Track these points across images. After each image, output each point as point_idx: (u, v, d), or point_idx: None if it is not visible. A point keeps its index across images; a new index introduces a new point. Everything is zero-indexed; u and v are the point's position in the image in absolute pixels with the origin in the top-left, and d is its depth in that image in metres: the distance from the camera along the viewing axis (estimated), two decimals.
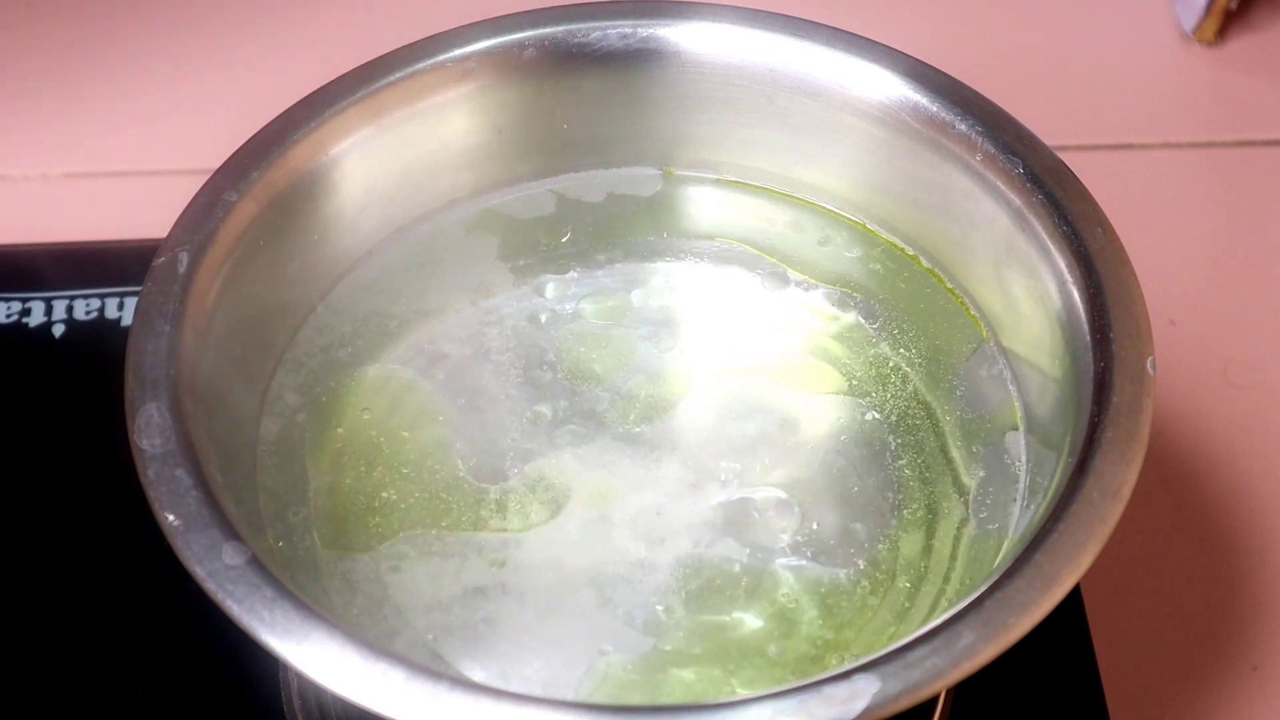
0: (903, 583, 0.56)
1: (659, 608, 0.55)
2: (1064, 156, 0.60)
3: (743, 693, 0.50)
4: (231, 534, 0.50)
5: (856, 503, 0.58)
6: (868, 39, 0.64)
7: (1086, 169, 0.61)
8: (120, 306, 0.76)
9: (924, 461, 0.59)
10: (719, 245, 0.66)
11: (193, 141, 0.84)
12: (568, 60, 0.65)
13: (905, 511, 0.58)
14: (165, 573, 0.52)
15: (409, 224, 0.65)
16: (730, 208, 0.67)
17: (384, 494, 0.57)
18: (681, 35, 0.65)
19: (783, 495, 0.58)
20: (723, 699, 0.47)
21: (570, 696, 0.52)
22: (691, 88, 0.65)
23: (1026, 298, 0.60)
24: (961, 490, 0.58)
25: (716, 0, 0.65)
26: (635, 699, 0.53)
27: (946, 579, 0.57)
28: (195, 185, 0.59)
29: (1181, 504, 0.73)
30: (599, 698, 0.53)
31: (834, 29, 0.64)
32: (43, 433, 0.72)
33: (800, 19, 0.64)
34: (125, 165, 0.85)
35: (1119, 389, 0.54)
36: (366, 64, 0.63)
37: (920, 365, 0.62)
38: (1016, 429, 0.59)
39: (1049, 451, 0.57)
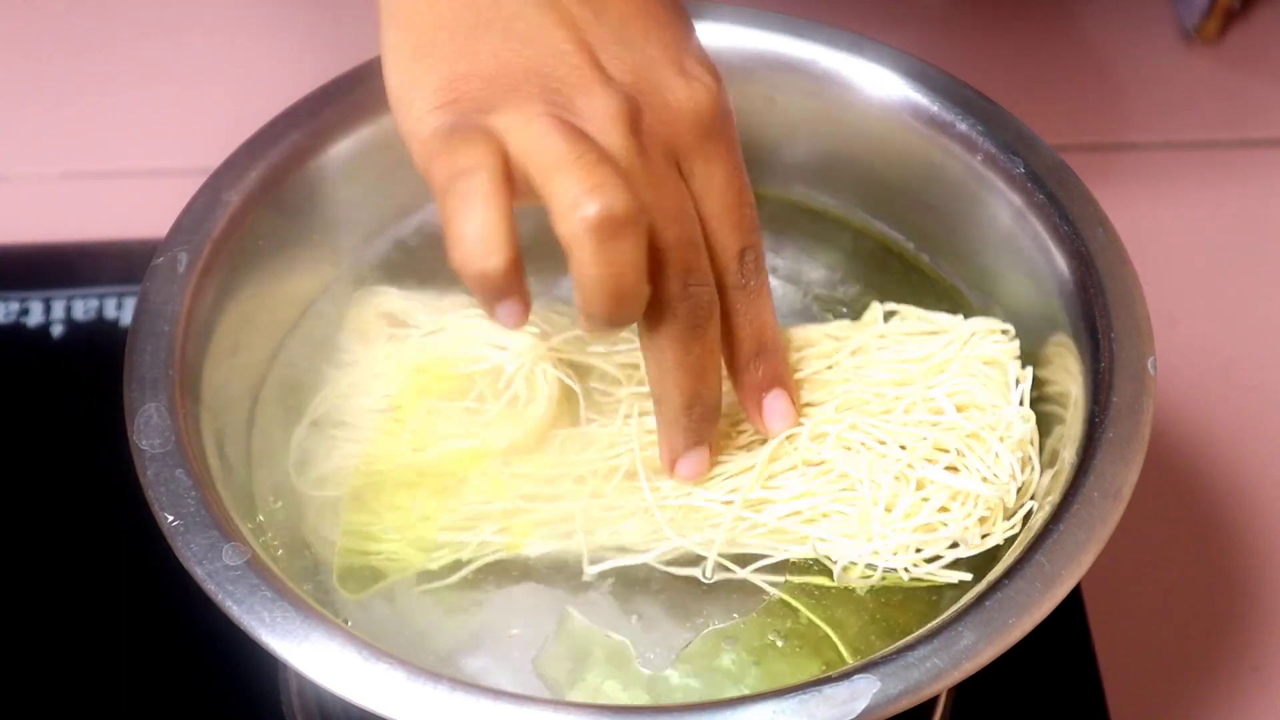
0: None
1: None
2: (1064, 156, 0.60)
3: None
4: (231, 534, 0.50)
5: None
6: (868, 39, 0.64)
7: (1086, 169, 0.61)
8: (119, 306, 0.76)
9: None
10: None
11: (193, 141, 0.83)
12: None
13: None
14: (165, 573, 0.52)
15: (409, 223, 0.65)
16: None
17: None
18: None
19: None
20: (722, 699, 0.47)
21: None
22: None
23: (1027, 297, 0.60)
24: None
25: (716, 0, 0.65)
26: None
27: None
28: (195, 185, 0.59)
29: (1182, 504, 0.73)
30: None
31: (834, 29, 0.64)
32: (41, 433, 0.72)
33: (800, 19, 0.64)
34: (125, 165, 0.85)
35: (1119, 389, 0.54)
36: (366, 63, 0.63)
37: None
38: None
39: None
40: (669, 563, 0.56)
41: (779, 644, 0.55)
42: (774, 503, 0.56)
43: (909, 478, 0.56)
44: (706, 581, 0.55)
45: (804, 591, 0.55)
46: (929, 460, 0.56)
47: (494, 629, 0.55)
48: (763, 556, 0.56)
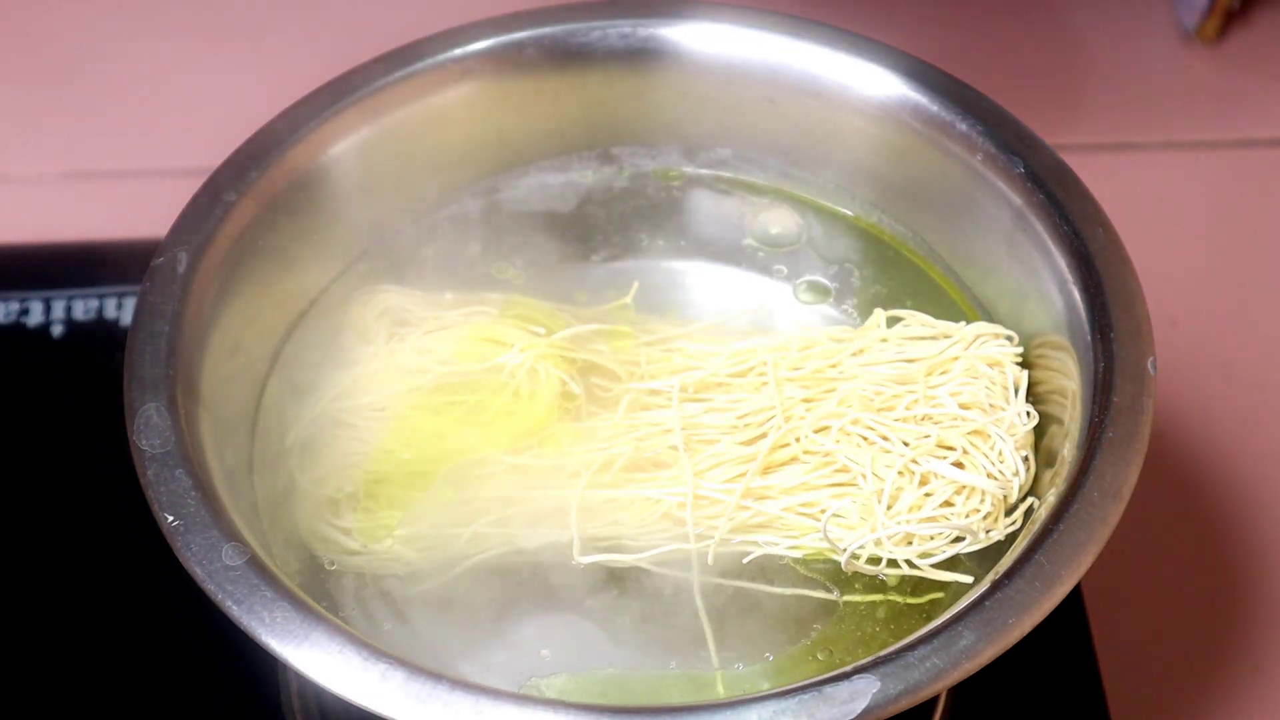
0: None
1: None
2: (1064, 156, 0.60)
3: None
4: (231, 534, 0.50)
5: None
6: (868, 39, 0.64)
7: (1086, 169, 0.61)
8: (119, 306, 0.76)
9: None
10: (720, 243, 0.66)
11: (193, 141, 0.83)
12: (568, 60, 0.65)
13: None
14: (165, 573, 0.52)
15: (408, 222, 0.65)
16: (732, 206, 0.67)
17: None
18: (681, 35, 0.65)
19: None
20: (722, 699, 0.47)
21: None
22: (692, 87, 0.65)
23: (1027, 297, 0.60)
24: None
25: (717, 0, 0.65)
26: None
27: None
28: (195, 185, 0.59)
29: (1182, 504, 0.73)
30: None
31: (834, 29, 0.64)
32: (41, 433, 0.72)
33: (800, 19, 0.64)
34: (125, 165, 0.85)
35: (1119, 389, 0.54)
36: (366, 63, 0.63)
37: None
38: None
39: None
40: (665, 564, 0.56)
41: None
42: (776, 498, 0.56)
43: (913, 473, 0.56)
44: (712, 580, 0.56)
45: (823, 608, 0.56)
46: (933, 455, 0.56)
47: (489, 631, 0.55)
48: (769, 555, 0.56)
